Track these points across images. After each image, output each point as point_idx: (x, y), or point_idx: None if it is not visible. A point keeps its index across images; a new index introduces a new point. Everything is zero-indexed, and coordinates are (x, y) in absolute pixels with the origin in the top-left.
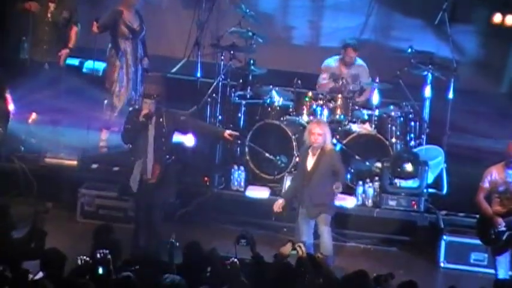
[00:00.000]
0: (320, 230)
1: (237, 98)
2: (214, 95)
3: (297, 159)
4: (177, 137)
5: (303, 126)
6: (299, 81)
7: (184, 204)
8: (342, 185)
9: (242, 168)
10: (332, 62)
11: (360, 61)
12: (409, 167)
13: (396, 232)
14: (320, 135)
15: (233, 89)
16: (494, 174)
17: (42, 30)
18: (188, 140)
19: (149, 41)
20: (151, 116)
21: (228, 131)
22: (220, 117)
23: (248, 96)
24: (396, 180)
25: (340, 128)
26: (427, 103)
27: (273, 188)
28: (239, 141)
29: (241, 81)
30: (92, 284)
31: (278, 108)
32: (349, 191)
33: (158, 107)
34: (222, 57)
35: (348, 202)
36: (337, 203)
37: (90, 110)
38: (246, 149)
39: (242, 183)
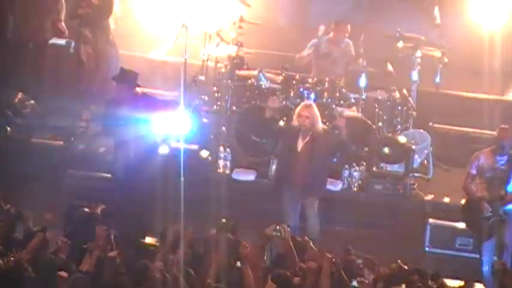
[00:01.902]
0: (307, 213)
1: (224, 80)
2: (200, 76)
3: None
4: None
5: (290, 109)
6: (287, 65)
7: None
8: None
9: (228, 150)
10: (321, 40)
11: (347, 39)
12: (386, 150)
13: (382, 216)
14: (307, 117)
15: (220, 71)
16: (482, 160)
17: (27, 8)
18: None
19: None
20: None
21: None
22: (206, 98)
23: (235, 78)
24: (382, 165)
25: (326, 112)
26: (415, 87)
27: (260, 170)
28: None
29: (228, 63)
30: (71, 262)
31: (265, 91)
32: (335, 174)
33: (136, 92)
34: (210, 39)
35: (334, 185)
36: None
37: (74, 89)
38: (233, 132)
39: (228, 166)
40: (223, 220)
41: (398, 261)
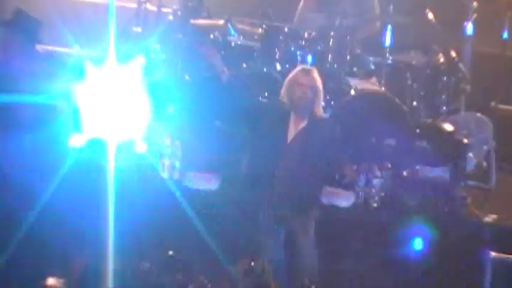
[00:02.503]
0: (298, 242)
1: (173, 34)
2: (136, 28)
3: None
4: None
5: (276, 80)
6: (270, 10)
7: None
8: None
9: (178, 143)
10: None
11: None
12: (424, 144)
13: (416, 245)
14: (310, 87)
15: (167, 20)
16: None
17: None
18: None
19: None
20: None
21: None
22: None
23: (190, 31)
24: (418, 167)
25: (331, 84)
26: (469, 47)
27: (226, 174)
28: None
29: (179, 8)
30: None
31: (237, 50)
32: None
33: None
34: None
35: (342, 199)
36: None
37: None
38: (185, 114)
39: (177, 166)
40: (170, 252)
41: None
